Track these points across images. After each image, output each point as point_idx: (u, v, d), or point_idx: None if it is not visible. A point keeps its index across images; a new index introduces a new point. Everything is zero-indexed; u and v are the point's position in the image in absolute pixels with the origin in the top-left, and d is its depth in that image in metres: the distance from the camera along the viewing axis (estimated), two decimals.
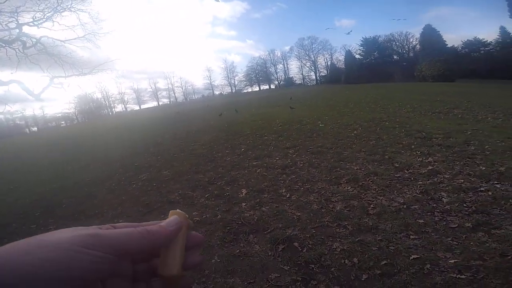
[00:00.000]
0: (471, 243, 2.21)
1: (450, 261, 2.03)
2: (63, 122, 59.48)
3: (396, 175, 3.56)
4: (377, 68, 47.60)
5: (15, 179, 7.14)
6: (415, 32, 50.60)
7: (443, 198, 2.90)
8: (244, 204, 3.28)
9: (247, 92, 67.43)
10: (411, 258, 2.12)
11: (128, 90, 72.60)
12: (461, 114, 8.41)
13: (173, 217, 0.33)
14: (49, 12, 10.34)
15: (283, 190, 3.52)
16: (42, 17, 10.36)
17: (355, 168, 3.96)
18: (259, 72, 69.65)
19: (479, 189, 3.07)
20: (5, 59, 10.73)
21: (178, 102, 68.14)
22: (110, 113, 64.98)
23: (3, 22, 9.80)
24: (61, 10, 10.63)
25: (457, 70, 36.64)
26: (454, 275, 1.89)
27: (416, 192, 3.06)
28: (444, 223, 2.48)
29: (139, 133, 12.96)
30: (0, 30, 9.58)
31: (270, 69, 69.43)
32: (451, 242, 2.25)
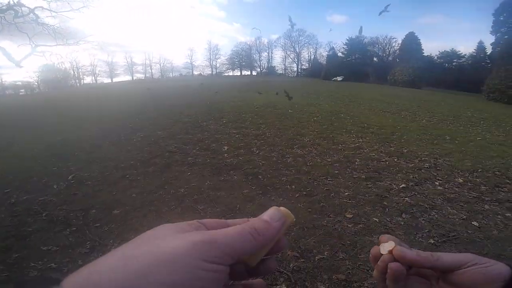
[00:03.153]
0: (361, 187, 3.74)
1: (345, 193, 3.53)
2: (22, 90, 55.15)
3: (332, 146, 5.14)
4: (356, 68, 49.62)
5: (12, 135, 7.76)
6: (400, 37, 51.50)
7: (356, 162, 4.49)
8: (226, 155, 4.66)
9: (228, 75, 67.40)
10: (324, 189, 3.62)
11: (99, 62, 68.04)
12: (404, 115, 10.31)
13: (275, 211, 0.30)
14: None
15: (254, 149, 4.95)
16: None
17: (306, 140, 5.51)
18: (243, 57, 69.47)
19: (381, 160, 4.69)
20: None
21: (154, 78, 65.90)
22: (78, 84, 61.62)
23: None
24: None
25: (427, 78, 39.28)
26: (346, 200, 3.38)
27: (340, 157, 4.63)
28: (350, 174, 4.05)
29: (122, 103, 13.59)
30: None
31: (254, 55, 69.55)
32: (350, 184, 3.77)
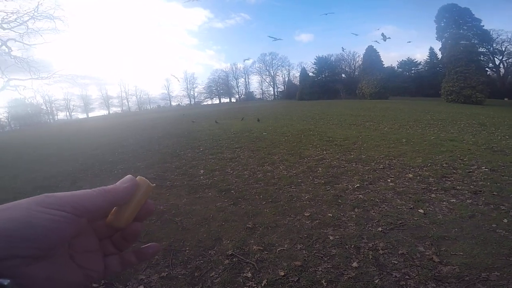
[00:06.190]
0: (321, 190, 4.25)
1: (305, 197, 4.01)
2: None
3: (298, 160, 5.72)
4: (327, 86, 51.86)
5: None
6: (361, 52, 52.90)
7: (318, 170, 5.07)
8: (202, 177, 5.09)
9: (207, 104, 68.03)
10: (288, 195, 4.10)
11: (73, 96, 65.48)
12: (368, 125, 11.19)
13: (128, 176, 0.36)
14: (26, 18, 10.80)
15: (229, 169, 5.43)
16: (15, 20, 10.70)
17: (275, 157, 6.08)
18: (221, 85, 70.77)
19: (341, 167, 5.30)
20: None
21: (131, 111, 64.73)
22: (51, 120, 59.03)
23: None
24: (40, 18, 11.07)
25: (391, 88, 41.47)
26: (306, 202, 3.87)
27: (304, 168, 5.20)
28: (312, 181, 4.59)
29: (101, 138, 13.73)
30: None
31: (231, 82, 71.14)
32: (310, 189, 4.28)
